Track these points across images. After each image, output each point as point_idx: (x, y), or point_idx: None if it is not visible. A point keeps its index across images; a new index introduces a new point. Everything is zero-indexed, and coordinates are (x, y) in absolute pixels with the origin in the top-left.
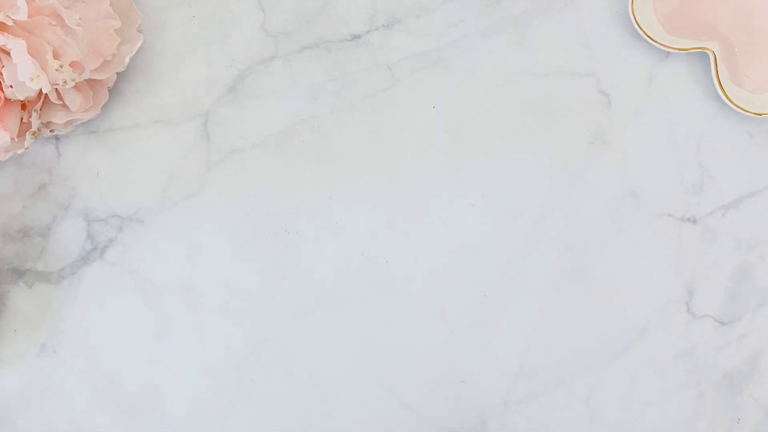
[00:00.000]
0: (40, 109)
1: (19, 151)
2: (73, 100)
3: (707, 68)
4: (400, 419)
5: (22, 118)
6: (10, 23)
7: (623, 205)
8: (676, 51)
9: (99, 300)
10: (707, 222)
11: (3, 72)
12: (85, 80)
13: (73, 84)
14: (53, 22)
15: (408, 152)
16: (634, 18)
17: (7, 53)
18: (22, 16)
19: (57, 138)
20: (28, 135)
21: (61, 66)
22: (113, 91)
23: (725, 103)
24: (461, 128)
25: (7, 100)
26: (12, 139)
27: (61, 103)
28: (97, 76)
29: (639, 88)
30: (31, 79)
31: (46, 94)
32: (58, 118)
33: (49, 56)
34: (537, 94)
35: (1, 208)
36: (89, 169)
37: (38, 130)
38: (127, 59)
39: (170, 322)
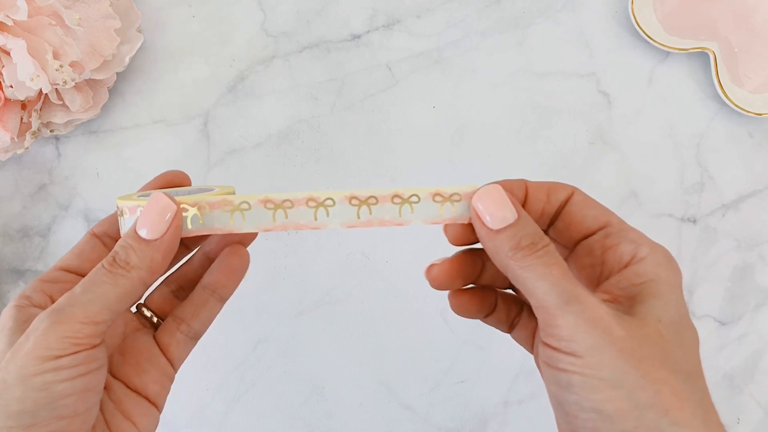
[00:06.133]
0: (40, 109)
1: (19, 151)
2: (73, 100)
3: (707, 68)
4: (400, 419)
5: (22, 118)
6: (10, 23)
7: (623, 205)
8: (676, 51)
9: None
10: (707, 222)
11: (3, 72)
12: (85, 80)
13: (73, 84)
14: (53, 22)
15: (408, 152)
16: (634, 18)
17: (7, 53)
18: (22, 16)
19: (57, 138)
20: (28, 135)
21: (61, 66)
22: (113, 91)
23: (725, 103)
24: (461, 128)
25: (7, 100)
26: (12, 139)
27: (61, 103)
28: (97, 76)
29: (639, 88)
30: (31, 79)
31: (46, 94)
32: (58, 118)
33: (49, 56)
34: (537, 94)
35: (1, 208)
36: (89, 169)
37: (38, 130)
38: (127, 59)
39: None
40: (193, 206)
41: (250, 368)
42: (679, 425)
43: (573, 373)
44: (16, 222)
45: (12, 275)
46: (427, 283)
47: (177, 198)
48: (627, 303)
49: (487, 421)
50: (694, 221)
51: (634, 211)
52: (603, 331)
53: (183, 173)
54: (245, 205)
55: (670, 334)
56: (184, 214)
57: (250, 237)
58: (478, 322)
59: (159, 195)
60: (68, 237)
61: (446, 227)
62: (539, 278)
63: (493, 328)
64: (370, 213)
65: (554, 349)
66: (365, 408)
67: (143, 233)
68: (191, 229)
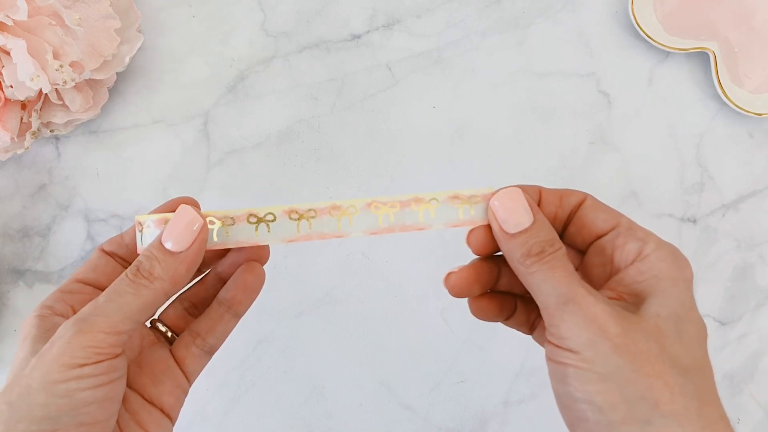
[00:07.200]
0: (40, 109)
1: (19, 151)
2: (73, 100)
3: (707, 68)
4: (400, 419)
5: (22, 118)
6: (10, 23)
7: (623, 205)
8: (676, 51)
9: None
10: (707, 222)
11: (3, 72)
12: (85, 80)
13: (73, 84)
14: (53, 22)
15: (408, 152)
16: (634, 18)
17: (7, 53)
18: (22, 16)
19: (57, 138)
20: (28, 135)
21: (61, 66)
22: (113, 91)
23: (725, 103)
24: (461, 128)
25: (7, 100)
26: (12, 139)
27: (61, 103)
28: (97, 76)
29: (639, 88)
30: (31, 79)
31: (46, 94)
32: (58, 118)
33: (49, 56)
34: (537, 94)
35: (1, 208)
36: (89, 169)
37: (38, 130)
38: (127, 59)
39: None
40: (219, 219)
41: (250, 368)
42: (668, 417)
43: (569, 365)
44: (16, 222)
45: (12, 275)
46: (427, 283)
47: (203, 211)
48: (631, 300)
49: (487, 421)
50: (694, 221)
51: (634, 211)
52: (598, 329)
53: (192, 200)
54: (270, 216)
55: (669, 329)
56: (210, 226)
57: (266, 254)
58: (477, 321)
59: (186, 208)
60: (68, 237)
61: (469, 237)
62: (543, 282)
63: (493, 328)
64: (392, 219)
65: (555, 346)
66: (365, 408)
67: (168, 245)
68: (217, 241)
